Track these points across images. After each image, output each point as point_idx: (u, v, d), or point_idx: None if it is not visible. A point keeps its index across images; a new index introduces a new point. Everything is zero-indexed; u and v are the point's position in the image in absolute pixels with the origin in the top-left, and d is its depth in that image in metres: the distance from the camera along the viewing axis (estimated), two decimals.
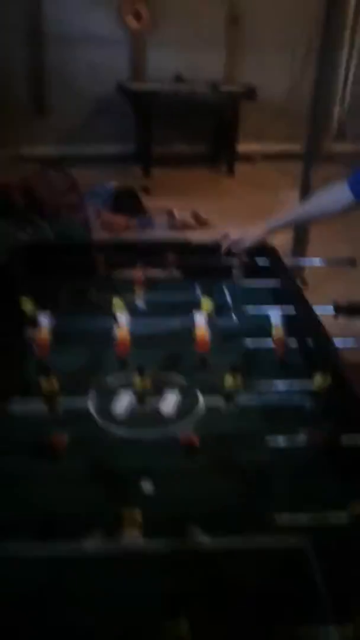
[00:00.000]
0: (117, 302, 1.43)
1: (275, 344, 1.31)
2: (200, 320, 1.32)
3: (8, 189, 5.08)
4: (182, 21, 6.53)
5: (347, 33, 6.58)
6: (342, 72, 6.81)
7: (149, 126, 6.20)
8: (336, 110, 6.97)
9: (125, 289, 1.64)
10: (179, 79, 6.57)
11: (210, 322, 1.36)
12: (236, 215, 5.17)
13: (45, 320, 1.35)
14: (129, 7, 6.38)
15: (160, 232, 4.91)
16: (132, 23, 6.46)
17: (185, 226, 4.95)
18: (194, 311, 1.37)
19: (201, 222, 5.03)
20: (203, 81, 6.46)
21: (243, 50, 6.82)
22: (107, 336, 1.39)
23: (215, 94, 6.27)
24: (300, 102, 6.82)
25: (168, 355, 1.40)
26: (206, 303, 1.42)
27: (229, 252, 1.77)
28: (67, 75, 6.55)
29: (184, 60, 6.64)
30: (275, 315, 1.34)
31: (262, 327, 1.39)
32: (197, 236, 4.74)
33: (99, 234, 4.79)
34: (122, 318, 1.35)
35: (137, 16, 6.44)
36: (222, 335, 1.43)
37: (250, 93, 6.31)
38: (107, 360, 1.37)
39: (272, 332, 1.32)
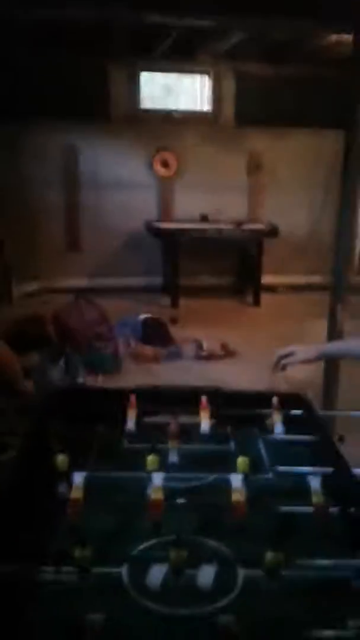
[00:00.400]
0: (152, 460, 1.42)
1: (315, 512, 1.26)
2: (236, 483, 1.29)
3: (42, 320, 5.28)
4: (207, 168, 7.09)
5: None
6: None
7: (176, 261, 6.52)
8: (358, 245, 7.28)
9: (157, 438, 1.63)
10: (204, 218, 7.01)
11: (247, 482, 1.33)
12: (263, 345, 5.25)
13: (78, 479, 1.33)
14: (158, 157, 6.99)
15: (188, 362, 4.97)
16: (161, 171, 7.04)
17: (213, 356, 5.01)
18: (230, 475, 1.34)
19: (229, 352, 5.09)
20: (227, 221, 6.86)
21: (264, 191, 7.30)
22: (140, 494, 1.36)
23: (239, 232, 6.63)
24: (320, 238, 7.19)
25: (203, 518, 1.35)
26: (243, 463, 1.39)
27: (281, 366, 1.77)
28: (100, 216, 7.04)
29: (209, 202, 7.12)
30: (314, 480, 1.30)
31: (301, 489, 1.34)
32: (225, 367, 4.79)
33: (129, 364, 4.87)
34: (157, 478, 1.33)
35: (165, 164, 7.03)
36: (258, 496, 1.38)
37: (272, 231, 6.65)
38: (140, 523, 1.32)
39: (312, 498, 1.28)
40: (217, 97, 7.16)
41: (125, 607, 1.09)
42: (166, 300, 6.60)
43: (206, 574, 1.16)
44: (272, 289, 7.11)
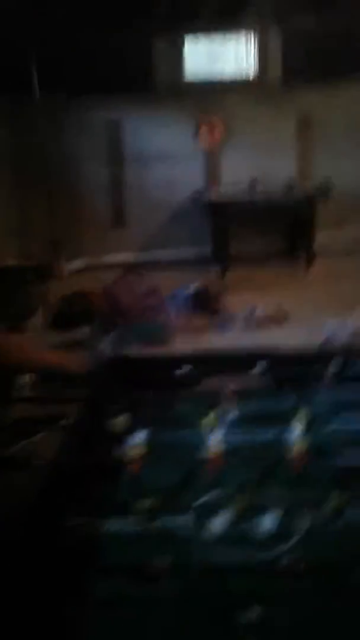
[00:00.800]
0: (210, 418, 1.42)
1: None
2: (296, 436, 1.28)
3: (92, 296, 5.36)
4: (255, 132, 6.93)
5: None
6: None
7: (226, 229, 6.43)
8: None
9: (214, 400, 1.64)
10: (253, 183, 6.87)
11: (308, 434, 1.32)
12: (319, 306, 5.15)
13: (139, 437, 1.36)
14: (204, 124, 6.88)
15: (241, 331, 4.93)
16: (208, 137, 6.92)
17: (268, 322, 4.94)
18: (290, 424, 1.33)
19: (284, 316, 5.01)
20: (278, 184, 6.68)
21: (316, 150, 7.08)
22: (200, 451, 1.38)
23: (291, 197, 6.48)
24: None
25: (263, 471, 1.35)
26: (302, 416, 1.38)
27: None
28: (145, 189, 7.02)
29: (259, 165, 6.97)
30: None
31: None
32: (283, 334, 4.73)
33: (180, 336, 4.88)
34: (216, 434, 1.33)
35: (212, 131, 6.91)
36: (319, 447, 1.37)
37: (325, 192, 6.46)
38: (201, 477, 1.34)
39: None
40: (263, 57, 6.95)
41: (191, 553, 1.11)
42: (217, 270, 6.56)
43: (269, 520, 1.16)
44: (325, 248, 6.93)
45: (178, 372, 1.74)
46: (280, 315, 5.00)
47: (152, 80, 6.78)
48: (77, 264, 6.82)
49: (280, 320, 4.99)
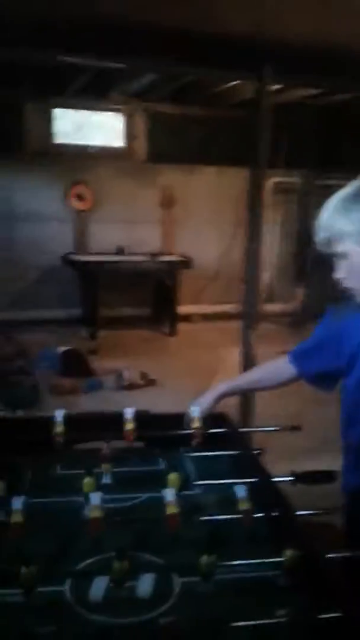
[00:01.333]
0: (88, 482, 1.48)
1: (243, 517, 1.38)
2: (169, 497, 1.38)
3: None
4: (122, 202, 7.28)
5: (270, 211, 7.46)
6: (267, 242, 7.59)
7: (95, 292, 6.58)
8: (266, 276, 7.68)
9: (88, 463, 1.69)
10: (120, 251, 7.15)
11: (178, 496, 1.43)
12: (181, 373, 5.40)
13: (17, 504, 1.38)
14: (73, 190, 7.09)
15: (109, 392, 5.02)
16: (76, 204, 7.12)
17: (133, 386, 5.08)
18: (162, 490, 1.43)
19: (148, 381, 5.19)
20: (143, 253, 7.04)
21: (178, 224, 7.57)
22: (78, 516, 1.42)
23: (155, 264, 6.82)
24: (230, 269, 7.53)
25: (139, 534, 1.43)
26: (174, 478, 1.49)
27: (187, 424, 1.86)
28: (14, 249, 6.99)
29: (124, 234, 7.29)
30: (240, 489, 1.42)
31: (228, 500, 1.46)
32: (145, 396, 4.88)
33: (48, 397, 4.83)
34: (94, 498, 1.40)
35: (80, 198, 7.13)
36: (189, 509, 1.48)
37: (186, 262, 6.90)
38: (80, 542, 1.38)
39: (239, 505, 1.39)
40: (130, 134, 7.41)
41: (71, 620, 1.15)
42: (85, 332, 6.62)
43: (145, 584, 1.24)
44: (187, 318, 7.33)
45: (53, 434, 1.78)
46: (147, 380, 5.18)
47: (22, 142, 6.90)
48: None
49: (146, 385, 5.17)
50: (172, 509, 1.37)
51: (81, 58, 4.66)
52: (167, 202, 7.47)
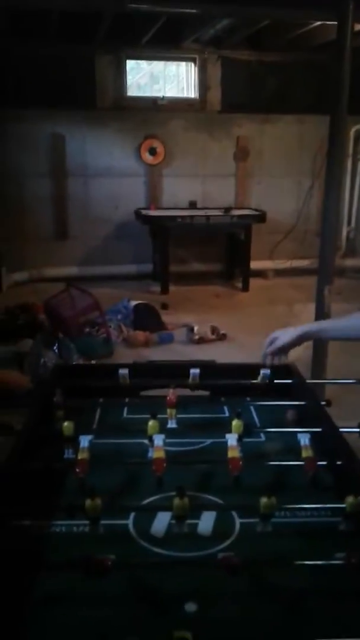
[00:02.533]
0: (152, 425, 1.51)
1: (305, 465, 1.37)
2: (232, 442, 1.39)
3: (34, 309, 5.35)
4: (194, 155, 7.17)
5: (349, 160, 7.13)
6: (347, 194, 7.29)
7: (166, 247, 6.59)
8: (345, 229, 7.40)
9: (155, 409, 1.73)
10: (193, 205, 7.08)
11: (241, 443, 1.43)
12: (252, 328, 5.36)
13: (85, 442, 1.42)
14: (145, 144, 7.04)
15: (180, 346, 5.07)
16: (148, 158, 7.09)
17: (204, 340, 5.11)
18: (226, 434, 1.44)
19: (219, 336, 5.19)
20: (216, 207, 6.94)
21: (252, 177, 7.38)
22: (142, 456, 1.47)
23: (228, 218, 6.71)
24: (307, 223, 7.30)
25: (202, 476, 1.45)
26: (237, 425, 1.50)
27: (269, 358, 1.83)
28: (88, 204, 7.09)
29: (197, 188, 7.20)
30: (304, 437, 1.40)
31: (291, 448, 1.45)
32: (216, 350, 4.89)
33: (121, 349, 4.96)
34: (158, 439, 1.42)
35: (153, 152, 7.08)
36: (252, 455, 1.48)
37: (260, 216, 6.74)
38: (144, 480, 1.43)
39: (302, 453, 1.38)
40: (203, 83, 7.22)
41: (133, 552, 1.19)
42: (156, 287, 6.68)
43: (206, 522, 1.26)
44: (261, 274, 7.22)
45: (120, 380, 1.83)
46: (217, 334, 5.18)
47: (95, 96, 6.90)
48: (19, 276, 6.77)
49: (217, 339, 5.18)
50: (233, 453, 1.37)
51: (153, 5, 4.57)
52: (242, 154, 7.28)
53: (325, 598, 1.06)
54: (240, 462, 1.36)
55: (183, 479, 1.41)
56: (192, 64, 7.27)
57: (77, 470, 1.37)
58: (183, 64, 7.38)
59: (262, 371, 1.83)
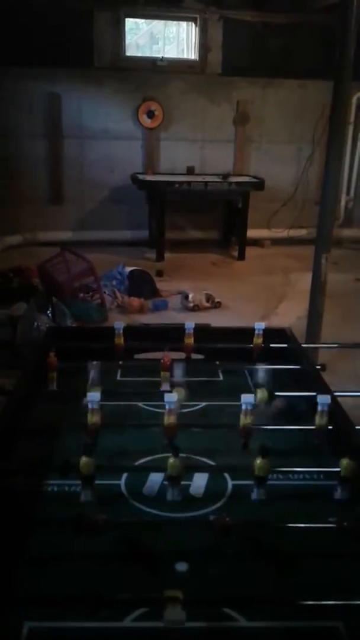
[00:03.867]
0: (179, 391, 1.49)
1: (316, 430, 1.36)
2: (246, 407, 1.36)
3: (28, 273, 5.30)
4: (193, 119, 7.01)
5: (350, 128, 6.99)
6: (346, 163, 7.18)
7: (163, 214, 6.49)
8: (343, 198, 7.30)
9: (150, 371, 1.72)
10: (190, 171, 6.96)
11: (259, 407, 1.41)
12: (248, 297, 5.34)
13: (95, 403, 1.38)
14: (143, 107, 6.87)
15: (174, 313, 5.05)
16: (146, 121, 6.93)
17: (199, 308, 5.08)
18: (242, 396, 1.40)
19: (214, 304, 5.16)
20: (214, 173, 6.82)
21: (251, 143, 7.24)
22: (137, 419, 1.46)
23: (226, 185, 6.60)
24: (306, 192, 7.20)
25: (196, 439, 1.44)
26: (261, 393, 1.48)
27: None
28: (84, 167, 6.95)
29: (195, 153, 7.07)
30: (323, 401, 1.37)
31: (295, 411, 1.45)
32: (211, 318, 4.87)
33: (116, 315, 4.93)
34: (173, 404, 1.38)
35: (151, 115, 6.92)
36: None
37: (258, 184, 6.63)
38: (136, 442, 1.42)
39: (317, 419, 1.36)
40: (204, 44, 7.01)
41: (125, 511, 1.19)
42: (152, 254, 6.62)
43: (199, 483, 1.26)
44: (257, 242, 7.15)
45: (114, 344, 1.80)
46: (213, 302, 5.15)
47: (92, 55, 6.70)
48: (13, 239, 6.68)
49: (212, 307, 5.15)
50: (246, 420, 1.35)
51: None
52: (241, 119, 7.12)
53: (316, 560, 1.07)
54: (252, 429, 1.35)
55: (177, 441, 1.41)
56: (193, 24, 7.05)
57: (88, 430, 1.35)
58: (184, 24, 7.15)
59: (256, 325, 1.81)
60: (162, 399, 1.49)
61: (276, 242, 7.24)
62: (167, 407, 1.37)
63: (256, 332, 1.80)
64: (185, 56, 7.22)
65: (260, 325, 1.81)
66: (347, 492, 1.19)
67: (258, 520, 1.16)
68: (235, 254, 6.84)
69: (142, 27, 7.28)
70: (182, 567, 1.05)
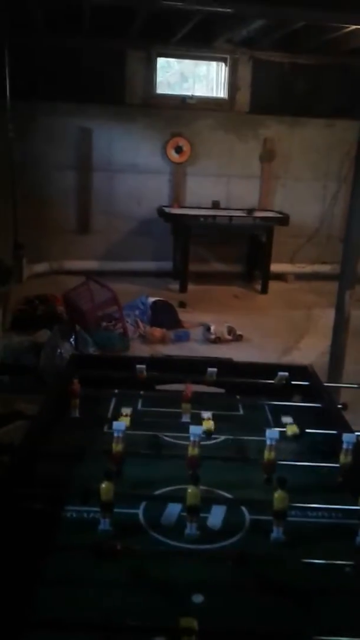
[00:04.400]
0: (207, 424, 1.51)
1: (342, 468, 1.36)
2: (271, 442, 1.37)
3: (53, 301, 5.39)
4: (220, 155, 7.15)
5: None
6: None
7: (187, 246, 6.58)
8: None
9: (170, 402, 1.73)
10: (216, 205, 7.07)
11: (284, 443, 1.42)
12: (269, 331, 5.35)
13: (120, 432, 1.40)
14: (172, 142, 7.05)
15: (196, 344, 5.07)
16: (174, 156, 7.09)
17: (221, 340, 5.09)
18: (267, 430, 1.41)
19: (236, 337, 5.17)
20: (239, 208, 6.92)
21: (277, 179, 7.34)
22: (156, 448, 1.47)
23: (250, 219, 6.69)
24: (330, 228, 7.25)
25: (215, 471, 1.44)
26: (291, 428, 1.49)
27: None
28: (112, 199, 7.12)
29: (221, 188, 7.19)
30: (349, 439, 1.37)
31: (317, 448, 1.45)
32: (232, 351, 4.88)
33: (138, 345, 4.97)
34: (195, 435, 1.39)
35: (179, 150, 7.08)
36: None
37: (283, 220, 6.70)
38: (157, 472, 1.43)
39: (341, 457, 1.36)
40: (233, 84, 7.20)
41: (142, 540, 1.20)
42: (175, 285, 6.69)
43: (216, 515, 1.26)
44: (281, 277, 7.18)
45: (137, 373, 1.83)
46: (234, 335, 5.17)
47: (124, 92, 6.92)
48: (40, 267, 6.83)
49: (234, 340, 5.16)
50: (270, 454, 1.36)
51: (187, 3, 4.57)
52: (268, 156, 7.25)
53: (330, 597, 1.06)
54: (275, 463, 1.35)
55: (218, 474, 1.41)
56: (223, 64, 7.26)
57: (112, 458, 1.37)
58: (214, 63, 7.37)
59: (279, 372, 1.83)
60: (181, 431, 1.51)
61: (300, 277, 7.27)
62: (192, 438, 1.38)
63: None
64: (214, 94, 7.41)
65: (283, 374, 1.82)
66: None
67: (275, 555, 1.16)
68: (259, 287, 6.88)
69: (173, 66, 7.51)
70: (198, 598, 1.05)
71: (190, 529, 1.20)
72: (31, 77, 6.39)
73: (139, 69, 7.02)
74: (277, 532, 1.19)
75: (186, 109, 7.11)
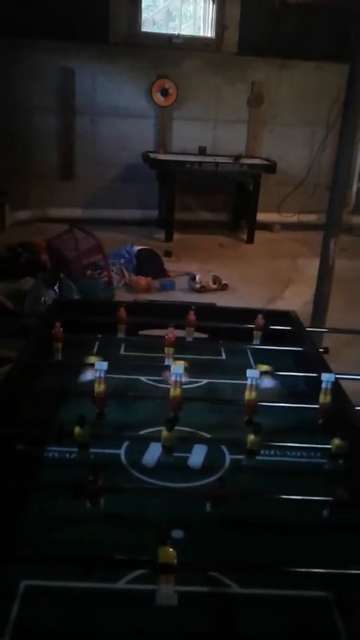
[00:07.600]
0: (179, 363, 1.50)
1: (321, 409, 1.37)
2: (252, 381, 1.38)
3: (37, 248, 5.31)
4: (207, 98, 6.95)
5: None
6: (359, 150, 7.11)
7: (172, 194, 6.47)
8: (355, 184, 7.24)
9: (153, 347, 1.73)
10: (202, 151, 6.91)
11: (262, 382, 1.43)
12: (254, 281, 5.34)
13: (102, 372, 1.40)
14: (157, 85, 6.81)
15: (180, 294, 5.06)
16: (160, 99, 6.87)
17: (206, 289, 5.08)
18: (248, 371, 1.41)
19: (221, 286, 5.16)
20: (226, 154, 6.77)
21: (265, 126, 7.18)
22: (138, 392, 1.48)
23: (237, 167, 6.57)
24: (318, 176, 7.14)
25: (194, 414, 1.46)
26: (263, 368, 1.50)
27: None
28: (95, 144, 6.92)
29: (208, 134, 7.02)
30: (328, 379, 1.37)
31: (298, 390, 1.46)
32: (217, 299, 4.88)
33: (122, 293, 4.95)
34: (180, 375, 1.39)
35: (164, 92, 6.85)
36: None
37: (270, 167, 6.59)
38: (137, 414, 1.44)
39: (321, 397, 1.37)
40: (220, 22, 6.92)
41: (123, 479, 1.22)
42: (161, 234, 6.61)
43: (197, 455, 1.28)
44: (267, 226, 7.12)
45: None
46: (218, 284, 5.15)
47: (108, 30, 6.63)
48: (22, 215, 6.69)
49: (219, 289, 5.15)
50: (251, 395, 1.37)
51: None
52: (256, 100, 7.05)
53: (306, 531, 1.09)
54: (256, 404, 1.37)
55: (197, 417, 1.43)
56: (210, 1, 6.95)
57: (94, 400, 1.37)
58: (201, 1, 7.06)
59: (259, 315, 1.82)
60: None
61: (286, 226, 7.21)
62: (173, 377, 1.38)
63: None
64: (201, 34, 7.14)
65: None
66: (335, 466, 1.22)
67: (254, 491, 1.19)
68: (244, 237, 6.82)
69: (159, 4, 7.18)
70: (177, 534, 1.08)
71: (166, 458, 1.23)
72: (10, 12, 6.08)
73: (124, 6, 6.70)
74: (246, 460, 1.23)
75: (172, 49, 6.84)
